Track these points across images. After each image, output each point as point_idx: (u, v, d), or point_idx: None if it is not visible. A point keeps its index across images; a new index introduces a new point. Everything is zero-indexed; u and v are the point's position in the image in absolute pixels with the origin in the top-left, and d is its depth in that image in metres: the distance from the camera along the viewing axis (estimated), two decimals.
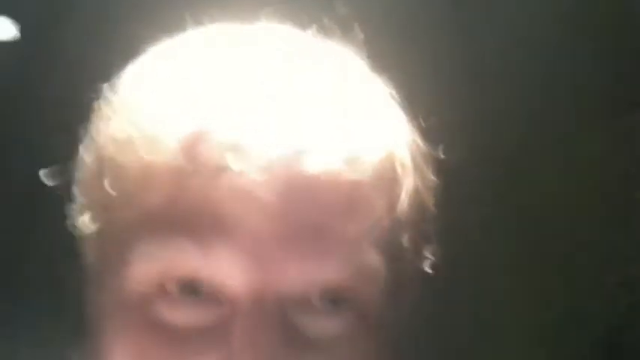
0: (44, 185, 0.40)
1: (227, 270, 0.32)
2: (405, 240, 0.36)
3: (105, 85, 0.38)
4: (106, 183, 0.35)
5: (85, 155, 0.38)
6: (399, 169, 0.36)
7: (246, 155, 0.32)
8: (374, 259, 0.34)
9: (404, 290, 0.36)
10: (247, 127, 0.32)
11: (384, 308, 0.35)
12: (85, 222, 0.37)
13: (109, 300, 0.36)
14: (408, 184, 0.36)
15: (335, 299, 0.33)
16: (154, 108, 0.34)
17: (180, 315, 0.33)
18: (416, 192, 0.37)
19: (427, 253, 0.38)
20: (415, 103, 0.39)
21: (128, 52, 0.39)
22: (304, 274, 0.33)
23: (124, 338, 0.35)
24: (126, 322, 0.34)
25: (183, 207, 0.33)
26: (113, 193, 0.35)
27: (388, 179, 0.35)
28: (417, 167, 0.37)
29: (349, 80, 0.37)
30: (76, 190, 0.38)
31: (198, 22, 0.39)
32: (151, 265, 0.33)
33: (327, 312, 0.34)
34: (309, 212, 0.33)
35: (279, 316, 0.32)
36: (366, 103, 0.36)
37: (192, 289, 0.33)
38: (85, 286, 0.38)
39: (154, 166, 0.33)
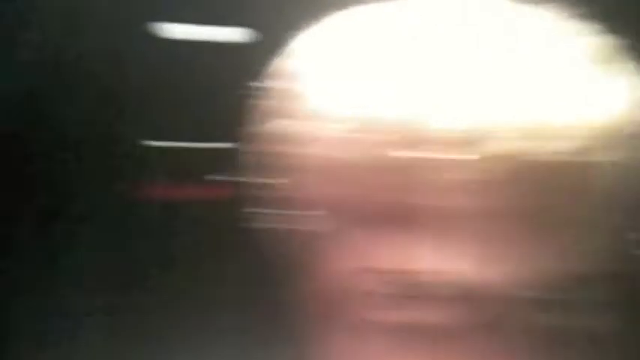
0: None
1: (444, 265, 0.32)
2: (626, 220, 0.34)
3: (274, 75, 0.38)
4: (292, 179, 0.35)
5: (269, 149, 0.37)
6: (622, 145, 0.33)
7: (447, 144, 0.31)
8: (603, 239, 0.33)
9: (629, 271, 0.35)
10: (444, 113, 0.31)
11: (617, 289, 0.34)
12: (280, 217, 0.37)
13: (312, 294, 0.36)
14: (631, 159, 0.34)
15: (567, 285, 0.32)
16: (337, 99, 0.33)
17: (386, 310, 0.33)
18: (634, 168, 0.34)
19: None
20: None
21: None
22: (532, 263, 0.32)
23: (329, 333, 0.35)
24: (330, 317, 0.35)
25: (383, 201, 0.32)
26: (302, 189, 0.35)
27: (611, 157, 0.33)
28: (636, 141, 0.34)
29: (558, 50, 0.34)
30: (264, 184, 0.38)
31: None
32: (354, 259, 0.33)
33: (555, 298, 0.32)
34: (530, 199, 0.31)
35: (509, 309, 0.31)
36: (584, 78, 0.33)
37: (398, 284, 0.33)
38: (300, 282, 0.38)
39: (348, 161, 0.33)
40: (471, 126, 0.31)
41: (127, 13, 1.34)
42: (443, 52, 0.33)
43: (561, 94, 0.32)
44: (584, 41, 0.35)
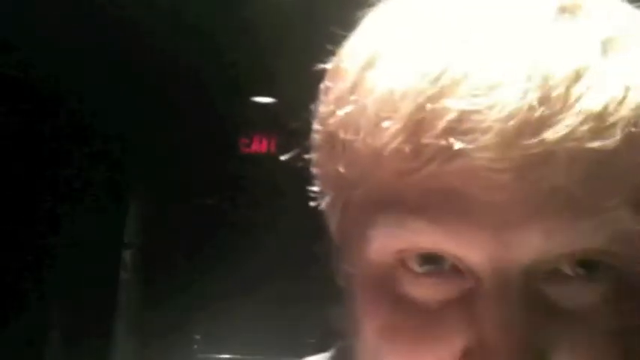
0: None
1: (467, 246, 0.32)
2: None
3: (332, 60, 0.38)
4: (340, 165, 0.35)
5: (317, 136, 0.38)
6: None
7: (477, 131, 0.30)
8: (630, 221, 0.32)
9: None
10: (476, 100, 0.31)
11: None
12: (325, 200, 0.38)
13: (354, 273, 0.36)
14: None
15: (589, 266, 0.32)
16: (381, 88, 0.33)
17: (423, 290, 0.33)
18: None
19: None
20: None
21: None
22: (550, 245, 0.31)
23: (370, 311, 0.35)
24: (371, 295, 0.35)
25: (417, 186, 0.32)
26: (346, 174, 0.35)
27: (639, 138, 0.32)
28: None
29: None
30: (314, 171, 0.39)
31: None
32: (389, 242, 0.33)
33: (580, 279, 0.32)
34: (551, 183, 0.31)
35: (525, 290, 0.31)
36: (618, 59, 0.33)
37: (432, 265, 0.33)
38: (335, 258, 0.39)
39: (382, 148, 0.33)
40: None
41: None
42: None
43: None
44: None
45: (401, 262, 0.33)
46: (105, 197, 3.02)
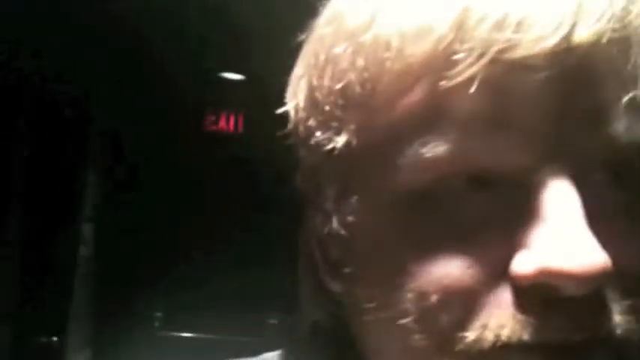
0: None
1: (508, 157, 0.32)
2: None
3: None
4: (359, 90, 0.34)
5: (325, 72, 0.36)
6: None
7: (518, 30, 0.31)
8: None
9: None
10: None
11: None
12: (332, 138, 0.36)
13: (376, 208, 0.35)
14: None
15: (618, 171, 0.33)
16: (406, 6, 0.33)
17: (466, 208, 0.33)
18: None
19: None
20: None
21: None
22: (584, 148, 0.32)
23: (408, 239, 0.33)
24: (409, 221, 0.33)
25: (451, 100, 0.32)
26: (371, 101, 0.34)
27: None
28: None
29: None
30: (313, 107, 0.37)
31: None
32: (427, 163, 0.32)
33: (609, 185, 0.33)
34: (584, 86, 0.31)
35: (575, 194, 0.31)
36: None
37: (471, 181, 0.32)
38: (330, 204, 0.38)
39: (414, 62, 0.32)
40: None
41: None
42: None
43: None
44: None
45: (439, 183, 0.32)
46: (64, 170, 2.96)
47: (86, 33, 2.48)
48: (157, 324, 3.92)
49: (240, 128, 3.62)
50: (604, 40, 0.31)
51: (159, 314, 3.92)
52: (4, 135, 2.48)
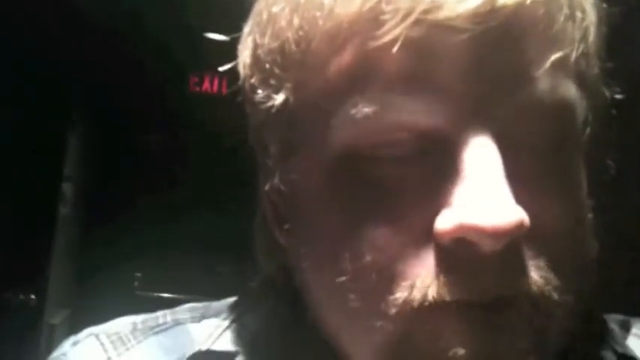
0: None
1: (432, 118, 0.32)
2: (594, 73, 0.35)
3: None
4: (294, 48, 0.35)
5: (264, 21, 0.37)
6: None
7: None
8: (572, 89, 0.33)
9: (597, 124, 0.36)
10: None
11: (583, 140, 0.35)
12: (272, 96, 0.37)
13: (311, 169, 0.35)
14: (592, 15, 0.35)
15: (540, 132, 0.33)
16: None
17: (392, 170, 0.33)
18: (599, 25, 0.36)
19: (608, 90, 0.37)
20: None
21: None
22: (506, 108, 0.32)
23: (335, 201, 0.34)
24: (336, 185, 0.34)
25: (378, 61, 0.32)
26: (305, 61, 0.34)
27: (580, 9, 0.34)
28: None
29: None
30: (256, 64, 0.38)
31: None
32: (359, 124, 0.33)
33: (531, 145, 0.33)
34: (506, 47, 0.32)
35: (498, 155, 0.32)
36: None
37: (398, 143, 0.33)
38: (271, 164, 0.39)
39: (344, 21, 0.33)
40: None
41: None
42: None
43: None
44: None
45: (370, 144, 0.33)
46: (45, 129, 2.92)
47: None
48: (136, 283, 3.93)
49: (224, 90, 3.59)
50: (528, 1, 0.32)
51: (138, 274, 3.93)
52: None
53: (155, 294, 3.89)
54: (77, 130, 3.38)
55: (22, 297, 2.91)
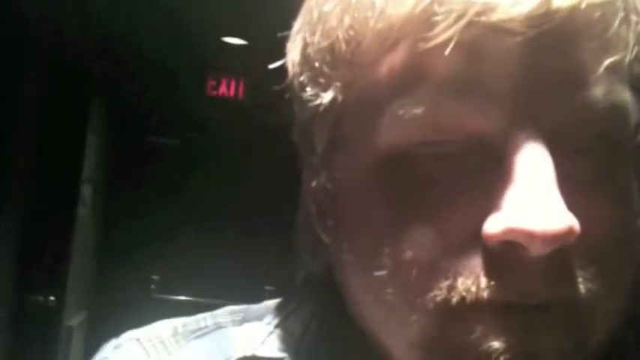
0: None
1: (483, 121, 0.32)
2: None
3: None
4: (344, 47, 0.35)
5: (315, 22, 0.37)
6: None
7: (489, 4, 0.31)
8: (625, 93, 0.33)
9: None
10: None
11: (636, 145, 0.34)
12: (320, 94, 0.37)
13: (357, 166, 0.35)
14: None
15: (593, 137, 0.33)
16: None
17: (441, 171, 0.33)
18: None
19: None
20: None
21: None
22: (559, 113, 0.32)
23: (380, 201, 0.34)
24: (385, 182, 0.34)
25: (429, 62, 0.32)
26: (357, 56, 0.34)
27: (635, 12, 0.33)
28: None
29: None
30: (305, 63, 0.38)
31: None
32: (407, 125, 0.33)
33: (583, 150, 0.33)
34: (560, 50, 0.31)
35: (549, 160, 0.31)
36: None
37: (448, 145, 0.33)
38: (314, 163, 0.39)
39: (395, 22, 0.32)
40: None
41: None
42: None
43: None
44: None
45: (418, 144, 0.33)
46: (64, 131, 2.95)
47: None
48: (153, 286, 3.95)
49: (241, 94, 3.60)
50: (583, 5, 0.31)
51: (155, 277, 3.95)
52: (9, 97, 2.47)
53: (172, 297, 3.90)
54: (96, 133, 3.41)
55: (41, 299, 2.94)
